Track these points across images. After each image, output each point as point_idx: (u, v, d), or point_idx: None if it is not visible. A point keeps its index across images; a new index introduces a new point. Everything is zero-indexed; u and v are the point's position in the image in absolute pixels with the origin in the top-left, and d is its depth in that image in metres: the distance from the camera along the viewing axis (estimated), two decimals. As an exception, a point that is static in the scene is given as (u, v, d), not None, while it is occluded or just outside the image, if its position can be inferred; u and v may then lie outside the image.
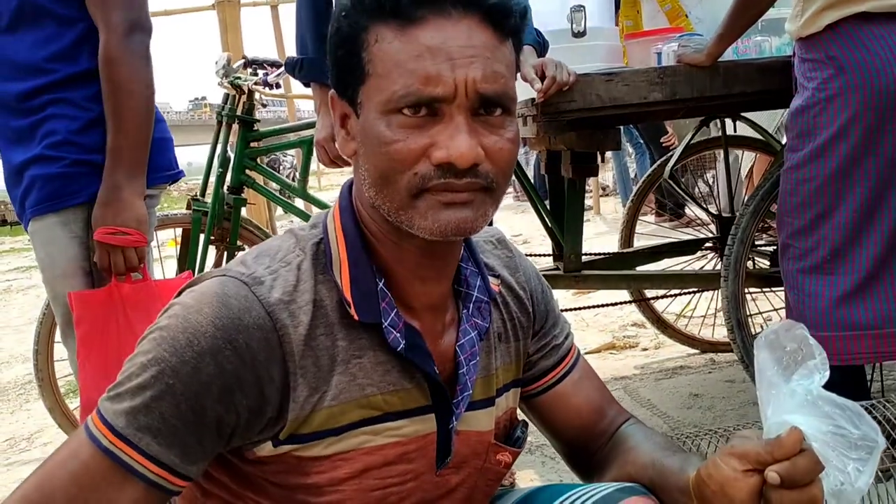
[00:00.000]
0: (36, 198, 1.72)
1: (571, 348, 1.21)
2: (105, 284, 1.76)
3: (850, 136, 1.90)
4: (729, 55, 2.35)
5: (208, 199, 3.09)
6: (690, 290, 3.32)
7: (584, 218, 2.89)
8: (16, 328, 5.40)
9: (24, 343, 4.71)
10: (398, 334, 0.95)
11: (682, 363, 3.37)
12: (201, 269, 3.00)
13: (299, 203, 4.59)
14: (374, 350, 0.95)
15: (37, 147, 1.70)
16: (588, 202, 7.32)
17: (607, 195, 9.55)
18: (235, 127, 3.17)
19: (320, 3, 2.37)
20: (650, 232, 3.70)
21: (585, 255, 2.90)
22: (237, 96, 3.15)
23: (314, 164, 3.39)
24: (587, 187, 3.66)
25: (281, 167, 10.82)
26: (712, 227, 3.41)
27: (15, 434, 3.32)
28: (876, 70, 1.84)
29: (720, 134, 3.16)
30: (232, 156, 3.17)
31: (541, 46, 2.39)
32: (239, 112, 3.15)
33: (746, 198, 2.63)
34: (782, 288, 2.26)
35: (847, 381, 2.01)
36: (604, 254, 3.25)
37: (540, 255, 3.54)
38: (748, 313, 2.52)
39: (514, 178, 1.92)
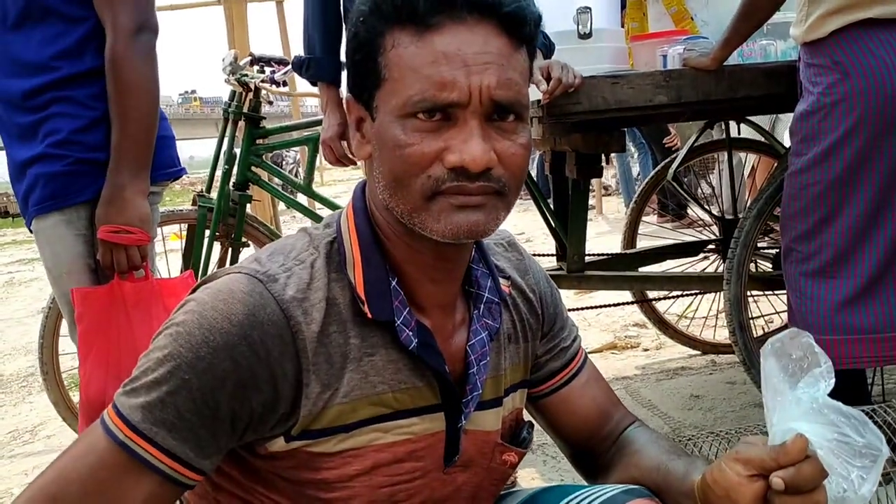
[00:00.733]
0: (39, 196, 1.73)
1: (579, 351, 1.22)
2: (108, 282, 1.77)
3: (854, 141, 1.91)
4: (734, 59, 2.36)
5: (213, 194, 3.10)
6: (692, 291, 3.33)
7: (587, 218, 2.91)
8: (18, 320, 5.41)
9: (27, 335, 4.73)
10: (410, 333, 0.96)
11: (684, 364, 3.38)
12: (206, 266, 3.01)
13: (302, 199, 4.60)
14: (387, 348, 0.96)
15: (40, 145, 1.71)
16: (590, 202, 7.31)
17: (609, 195, 9.56)
18: (241, 124, 3.18)
19: (328, 3, 2.39)
20: (651, 233, 3.71)
21: (588, 255, 2.92)
22: (244, 93, 3.16)
23: (317, 163, 3.40)
24: (590, 187, 3.66)
25: (283, 163, 10.83)
26: (714, 228, 3.43)
27: (18, 426, 3.33)
28: (881, 76, 1.85)
29: (723, 136, 3.18)
30: (238, 152, 3.17)
31: (547, 48, 2.40)
32: (245, 109, 3.16)
33: (749, 200, 2.64)
34: (784, 291, 2.27)
35: (848, 385, 2.03)
36: (607, 254, 3.27)
37: (543, 255, 3.55)
38: (750, 316, 2.53)
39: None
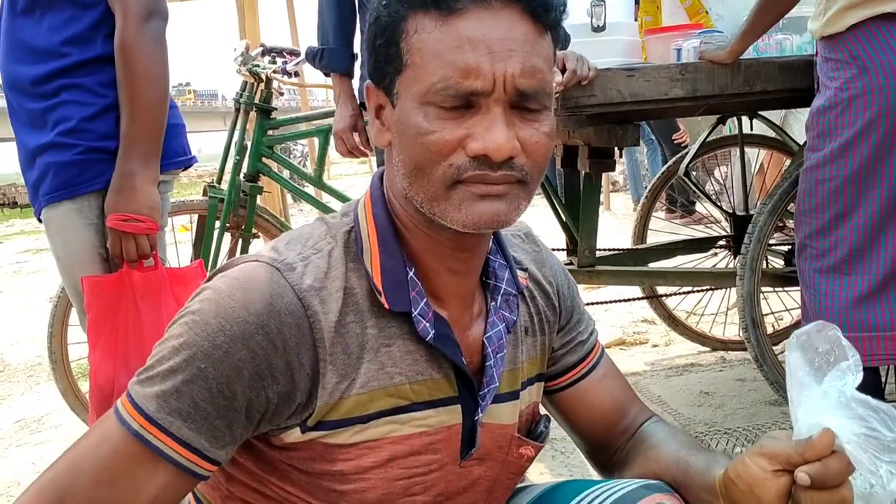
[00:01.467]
0: (50, 185, 1.72)
1: (595, 345, 1.21)
2: (118, 271, 1.76)
3: (871, 137, 1.89)
4: (749, 53, 2.34)
5: (224, 186, 3.10)
6: (703, 287, 3.31)
7: (597, 213, 2.89)
8: (26, 310, 5.41)
9: (35, 325, 4.73)
10: (427, 324, 0.95)
11: (693, 361, 3.36)
12: (216, 257, 3.00)
13: (310, 190, 4.60)
14: (404, 339, 0.95)
15: (50, 133, 1.70)
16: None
17: (617, 191, 9.53)
18: (252, 115, 3.17)
19: None
20: (660, 228, 3.69)
21: (599, 250, 2.90)
22: (255, 84, 3.15)
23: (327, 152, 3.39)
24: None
25: (291, 155, 10.83)
26: (723, 225, 3.41)
27: (25, 415, 3.33)
28: (900, 71, 1.83)
29: (735, 132, 3.16)
30: (248, 144, 3.16)
31: (562, 40, 2.38)
32: (257, 100, 3.15)
33: (759, 197, 2.63)
34: (796, 287, 2.26)
35: (862, 384, 2.01)
36: (618, 249, 3.25)
37: (553, 250, 3.53)
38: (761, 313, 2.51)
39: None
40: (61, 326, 2.77)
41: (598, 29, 2.60)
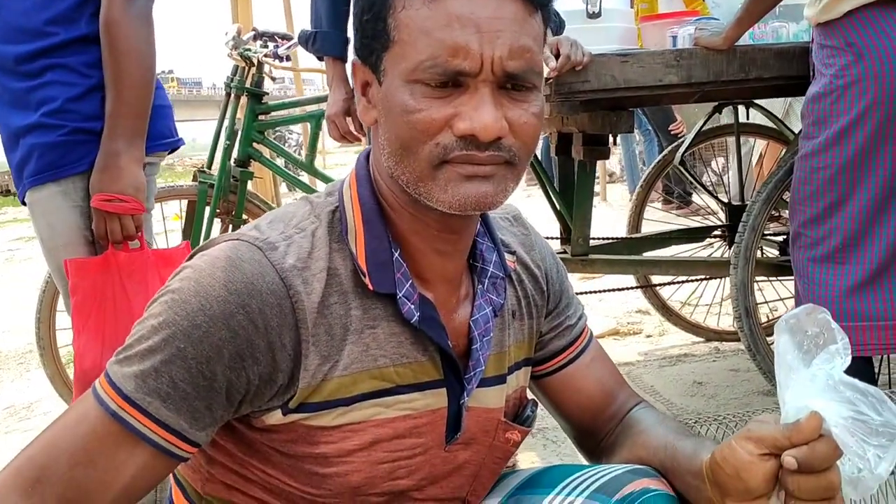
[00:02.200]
0: (35, 167, 1.69)
1: (584, 330, 1.19)
2: (103, 253, 1.74)
3: (866, 125, 1.88)
4: (745, 40, 2.33)
5: (215, 171, 3.07)
6: (697, 277, 3.30)
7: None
8: (17, 298, 5.39)
9: (26, 312, 4.70)
10: (412, 306, 0.93)
11: (686, 351, 3.36)
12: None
13: (305, 178, 4.58)
14: (388, 321, 0.93)
15: (34, 114, 1.67)
16: (595, 189, 7.30)
17: (614, 182, 9.51)
18: (243, 100, 3.15)
19: None
20: (656, 219, 3.68)
21: (593, 239, 2.89)
22: (246, 68, 3.12)
23: (319, 144, 3.38)
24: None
25: (287, 143, 10.79)
26: (719, 215, 3.40)
27: (14, 402, 3.31)
28: (896, 58, 1.82)
29: (731, 121, 3.14)
30: (239, 129, 3.14)
31: (557, 26, 2.37)
32: (248, 84, 3.12)
33: (756, 187, 2.61)
34: (790, 277, 2.25)
35: (854, 373, 2.00)
36: (612, 238, 3.24)
37: (547, 238, 3.52)
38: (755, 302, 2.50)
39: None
40: (49, 312, 2.76)
41: (594, 15, 2.58)
